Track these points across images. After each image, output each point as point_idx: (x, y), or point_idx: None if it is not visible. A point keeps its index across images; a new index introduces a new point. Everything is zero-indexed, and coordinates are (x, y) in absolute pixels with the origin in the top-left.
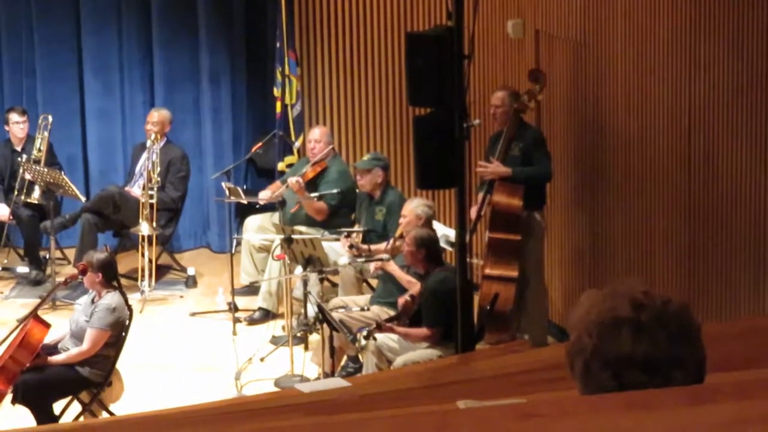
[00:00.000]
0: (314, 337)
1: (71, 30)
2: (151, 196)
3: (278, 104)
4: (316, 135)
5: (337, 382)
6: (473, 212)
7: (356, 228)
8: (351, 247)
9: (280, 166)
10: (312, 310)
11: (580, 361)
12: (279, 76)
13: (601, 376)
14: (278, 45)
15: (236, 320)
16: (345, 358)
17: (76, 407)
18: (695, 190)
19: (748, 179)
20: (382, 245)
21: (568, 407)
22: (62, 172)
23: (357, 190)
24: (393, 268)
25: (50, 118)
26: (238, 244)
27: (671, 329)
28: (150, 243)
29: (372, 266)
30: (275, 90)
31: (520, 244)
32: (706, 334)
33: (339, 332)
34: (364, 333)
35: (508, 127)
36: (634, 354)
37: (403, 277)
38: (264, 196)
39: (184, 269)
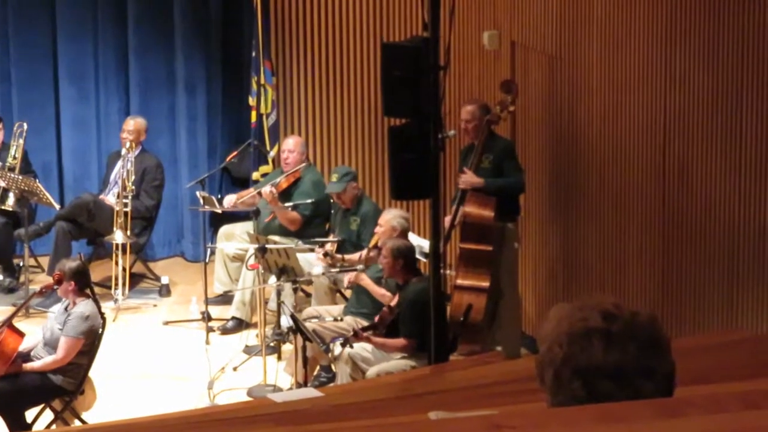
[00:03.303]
0: (287, 347)
1: (47, 37)
2: (126, 205)
3: (253, 113)
4: (290, 145)
5: (310, 392)
6: (446, 222)
7: (331, 238)
8: (326, 255)
9: (255, 175)
10: (285, 320)
11: (550, 372)
12: (254, 85)
13: (572, 386)
14: (254, 54)
15: (209, 329)
16: (318, 368)
17: (48, 415)
18: (669, 203)
19: (721, 193)
20: (357, 255)
21: (539, 419)
22: (37, 180)
23: (332, 200)
24: (366, 281)
25: (25, 126)
26: (212, 253)
27: (641, 340)
28: (124, 251)
29: (346, 278)
30: (251, 99)
31: (492, 254)
32: (679, 347)
33: (312, 342)
34: (341, 341)
35: (479, 139)
36: (605, 363)
37: (377, 290)
38: (230, 200)
39: (157, 278)
